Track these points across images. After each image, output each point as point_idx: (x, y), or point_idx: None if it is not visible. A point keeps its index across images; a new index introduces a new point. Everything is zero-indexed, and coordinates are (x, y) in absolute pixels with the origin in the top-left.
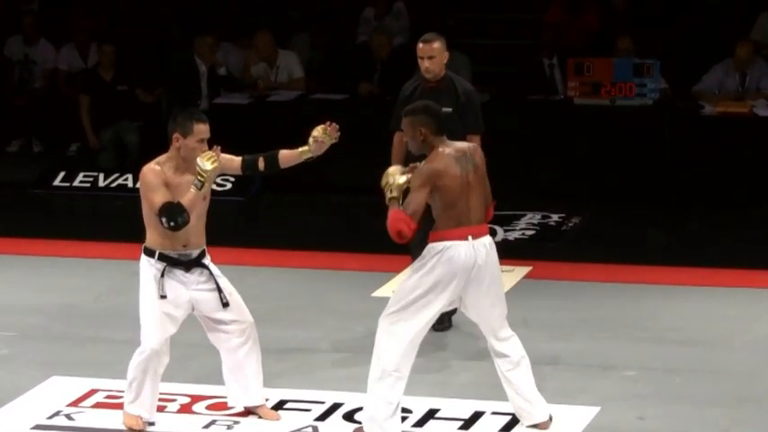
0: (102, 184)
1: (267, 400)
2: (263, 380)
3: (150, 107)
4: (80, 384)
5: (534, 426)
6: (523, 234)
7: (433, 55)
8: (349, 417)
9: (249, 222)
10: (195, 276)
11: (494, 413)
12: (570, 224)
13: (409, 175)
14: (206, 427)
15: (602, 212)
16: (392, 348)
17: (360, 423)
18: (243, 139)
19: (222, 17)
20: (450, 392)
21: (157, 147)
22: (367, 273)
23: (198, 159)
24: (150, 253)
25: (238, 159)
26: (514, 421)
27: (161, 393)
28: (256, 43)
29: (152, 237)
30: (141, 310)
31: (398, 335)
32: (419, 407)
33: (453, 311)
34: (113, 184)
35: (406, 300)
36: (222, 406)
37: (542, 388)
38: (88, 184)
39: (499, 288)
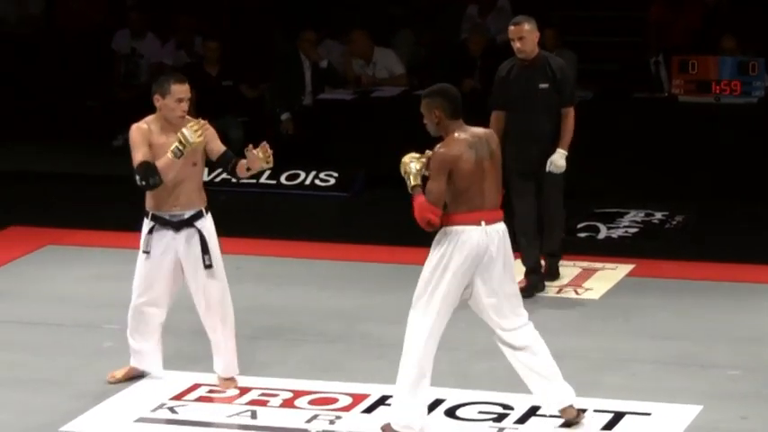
0: (205, 178)
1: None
2: (234, 354)
3: (254, 103)
4: (184, 378)
5: (561, 411)
6: (626, 232)
7: (522, 35)
8: (451, 413)
9: (352, 218)
10: (183, 238)
11: (596, 410)
12: (674, 222)
13: (424, 160)
14: (308, 421)
15: (706, 210)
16: (419, 344)
17: (461, 419)
18: (346, 134)
19: (325, 13)
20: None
21: (261, 141)
22: None
23: (185, 129)
24: (145, 213)
25: (221, 148)
26: (617, 418)
27: (263, 388)
28: (352, 40)
29: (147, 197)
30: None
31: (425, 327)
32: (520, 404)
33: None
34: (217, 179)
35: (426, 290)
36: (324, 401)
37: (644, 386)
38: None
39: (512, 276)
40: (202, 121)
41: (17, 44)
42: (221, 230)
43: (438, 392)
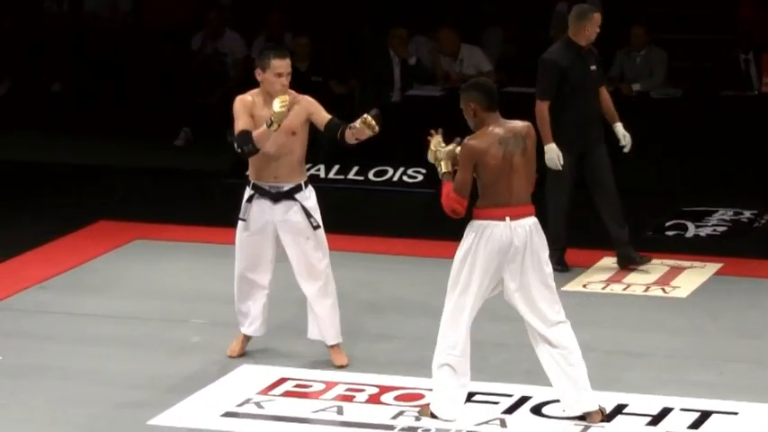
0: None
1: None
2: (338, 321)
3: (343, 99)
4: (270, 373)
5: (584, 416)
6: (715, 230)
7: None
8: (537, 410)
9: (439, 215)
10: (281, 209)
11: (682, 409)
12: (763, 221)
13: (453, 146)
14: (394, 417)
15: None
16: (451, 332)
17: (547, 416)
18: (436, 129)
19: (414, 10)
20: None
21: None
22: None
23: (275, 100)
24: (247, 181)
25: (326, 116)
26: (704, 417)
27: (350, 383)
28: (440, 38)
29: (250, 166)
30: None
31: (456, 317)
32: (609, 401)
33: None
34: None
35: (454, 281)
36: (410, 397)
37: (732, 385)
38: None
39: (543, 272)
40: (292, 92)
41: (108, 39)
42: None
43: (524, 390)
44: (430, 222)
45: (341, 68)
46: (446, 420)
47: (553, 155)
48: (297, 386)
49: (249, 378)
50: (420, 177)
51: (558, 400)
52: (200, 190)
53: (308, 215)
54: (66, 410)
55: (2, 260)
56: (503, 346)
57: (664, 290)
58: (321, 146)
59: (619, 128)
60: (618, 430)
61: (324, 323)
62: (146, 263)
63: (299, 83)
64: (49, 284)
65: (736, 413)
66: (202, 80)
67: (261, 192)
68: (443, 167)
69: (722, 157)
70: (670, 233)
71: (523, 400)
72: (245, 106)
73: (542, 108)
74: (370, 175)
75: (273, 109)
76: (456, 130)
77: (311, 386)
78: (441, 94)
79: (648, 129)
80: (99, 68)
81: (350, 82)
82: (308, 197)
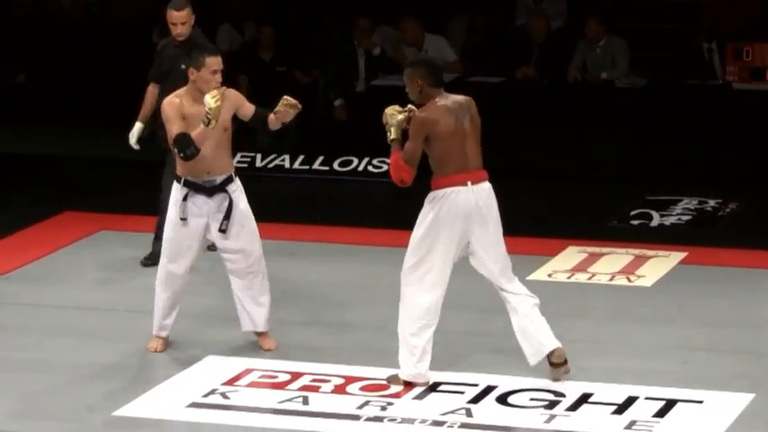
0: (259, 164)
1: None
2: (267, 309)
3: (307, 89)
4: (236, 363)
5: (550, 358)
6: (680, 219)
7: None
8: (502, 399)
9: (404, 205)
10: (217, 203)
11: (647, 398)
12: (727, 210)
13: (406, 114)
14: (360, 407)
15: (760, 198)
16: (416, 301)
17: (513, 405)
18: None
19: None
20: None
21: (315, 127)
22: (522, 255)
23: (205, 97)
24: (178, 179)
25: (251, 107)
26: (669, 406)
27: (316, 374)
28: (403, 28)
29: (179, 164)
30: (164, 235)
31: (420, 287)
32: (572, 391)
33: None
34: (270, 165)
35: (418, 251)
36: (376, 387)
37: (697, 374)
38: (246, 165)
39: (500, 233)
40: (222, 88)
41: (71, 30)
42: (275, 216)
43: (490, 379)
44: (394, 212)
45: (305, 58)
46: (422, 384)
47: None
48: (262, 377)
49: (214, 369)
50: (385, 167)
51: (524, 389)
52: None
53: (227, 216)
54: (31, 402)
55: None
56: (467, 335)
57: (629, 279)
58: (287, 136)
59: None
60: (583, 419)
61: (257, 311)
62: (110, 253)
63: (264, 73)
64: (14, 275)
65: (701, 402)
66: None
67: (195, 188)
68: (393, 134)
69: (686, 147)
70: (635, 222)
71: (489, 389)
72: (175, 109)
73: None
74: (335, 165)
75: (208, 106)
76: None
77: (277, 377)
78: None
79: (613, 118)
80: (64, 59)
81: (314, 72)
82: (239, 187)
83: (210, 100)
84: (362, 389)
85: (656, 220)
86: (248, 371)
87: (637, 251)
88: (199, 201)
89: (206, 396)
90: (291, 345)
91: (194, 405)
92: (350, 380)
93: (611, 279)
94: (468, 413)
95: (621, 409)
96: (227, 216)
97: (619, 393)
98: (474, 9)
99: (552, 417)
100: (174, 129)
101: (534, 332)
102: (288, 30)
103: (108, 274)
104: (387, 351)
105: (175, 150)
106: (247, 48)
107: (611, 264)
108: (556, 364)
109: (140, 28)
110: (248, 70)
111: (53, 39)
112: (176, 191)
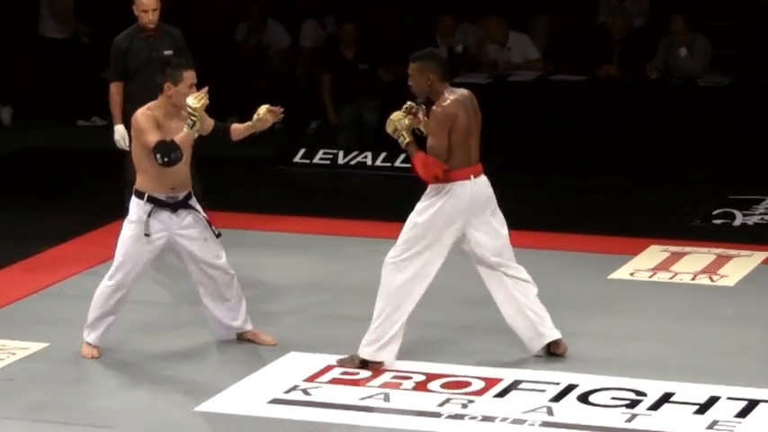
0: (341, 161)
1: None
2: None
3: (390, 86)
4: (317, 360)
5: (551, 345)
6: (762, 219)
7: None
8: (583, 398)
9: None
10: (180, 219)
11: (729, 398)
12: None
13: (412, 115)
14: (441, 405)
15: None
16: (402, 288)
17: (594, 404)
18: (483, 117)
19: None
20: (686, 375)
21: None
22: (604, 254)
23: (188, 99)
24: (139, 195)
25: (211, 121)
26: (751, 406)
27: (397, 371)
28: (487, 26)
29: (142, 180)
30: (119, 246)
31: (408, 274)
32: (654, 390)
33: None
34: (352, 162)
35: (414, 241)
36: (457, 384)
37: None
38: (327, 161)
39: (503, 221)
40: (202, 90)
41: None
42: (359, 214)
43: (571, 378)
44: None
45: (388, 56)
46: (377, 362)
47: None
48: (343, 373)
49: (296, 365)
50: None
51: (605, 388)
52: (243, 177)
53: (209, 224)
54: (113, 397)
55: (54, 245)
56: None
57: (711, 278)
58: (366, 133)
59: None
60: (665, 419)
61: (238, 313)
62: None
63: (346, 70)
64: (99, 270)
65: None
66: (247, 69)
67: (159, 204)
68: (407, 137)
69: None
70: (717, 221)
71: (570, 387)
72: (150, 119)
73: None
74: None
75: (191, 107)
76: (503, 117)
77: (358, 373)
78: (487, 81)
79: (695, 117)
80: None
81: (396, 69)
82: (197, 203)
83: (193, 101)
84: (444, 386)
85: (739, 219)
86: (330, 367)
87: (719, 251)
88: (163, 216)
89: (287, 392)
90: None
91: (276, 401)
92: (431, 377)
93: (693, 278)
94: (550, 411)
95: (703, 408)
96: (209, 223)
97: (701, 393)
98: (557, 7)
99: (633, 416)
100: (151, 138)
101: (536, 319)
102: (370, 27)
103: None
104: (468, 349)
105: (157, 157)
106: (329, 44)
107: (693, 263)
108: (556, 354)
109: (224, 24)
110: (330, 68)
111: None
112: (139, 207)
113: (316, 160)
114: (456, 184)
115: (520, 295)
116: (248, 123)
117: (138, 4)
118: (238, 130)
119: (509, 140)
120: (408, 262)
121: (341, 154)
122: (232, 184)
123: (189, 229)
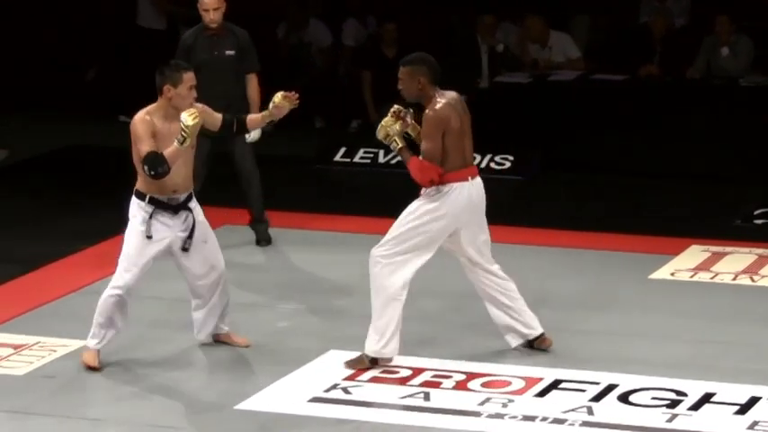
0: (381, 160)
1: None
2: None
3: None
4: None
5: (533, 343)
6: None
7: None
8: (624, 398)
9: (527, 202)
10: (180, 220)
11: None
12: None
13: (402, 120)
14: (481, 404)
15: None
16: (392, 282)
17: (635, 404)
18: (522, 117)
19: None
20: (724, 376)
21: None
22: (645, 254)
23: (182, 114)
24: (141, 196)
25: (219, 116)
26: None
27: (437, 370)
28: (528, 25)
29: (143, 181)
30: (124, 250)
31: (398, 268)
32: (694, 390)
33: None
34: (393, 161)
35: (406, 237)
36: (498, 384)
37: None
38: (368, 161)
39: (485, 221)
40: (199, 105)
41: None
42: (397, 212)
43: (611, 377)
44: (517, 209)
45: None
46: (387, 362)
47: None
48: (384, 372)
49: (337, 363)
50: (507, 164)
51: (646, 388)
52: (283, 176)
53: (190, 235)
54: (155, 396)
55: (95, 243)
56: (588, 334)
57: (752, 278)
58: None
59: None
60: (705, 419)
61: (223, 315)
62: (233, 248)
63: (387, 69)
64: None
65: None
66: (289, 67)
67: (161, 206)
68: (399, 143)
69: None
70: (759, 221)
71: (611, 387)
72: (147, 127)
73: None
74: None
75: (185, 123)
76: (544, 116)
77: (398, 372)
78: (528, 81)
79: (736, 117)
80: None
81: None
82: (196, 203)
83: (188, 117)
84: (484, 385)
85: None
86: (371, 366)
87: (760, 251)
88: (164, 218)
89: (327, 391)
90: (410, 340)
91: (316, 400)
92: (471, 376)
93: (734, 279)
94: (590, 411)
95: (744, 409)
96: (191, 235)
97: (741, 393)
98: (598, 7)
99: (674, 416)
100: (143, 147)
101: (520, 315)
102: (411, 26)
103: (230, 269)
104: (505, 348)
105: (145, 168)
106: (371, 43)
107: (734, 263)
108: (541, 349)
109: (267, 23)
110: (372, 66)
111: None
112: (141, 208)
113: (356, 159)
114: (454, 187)
115: (498, 291)
116: (264, 113)
117: (200, 3)
118: (255, 120)
119: (551, 139)
120: (398, 257)
121: (381, 153)
122: (273, 183)
123: (189, 230)
